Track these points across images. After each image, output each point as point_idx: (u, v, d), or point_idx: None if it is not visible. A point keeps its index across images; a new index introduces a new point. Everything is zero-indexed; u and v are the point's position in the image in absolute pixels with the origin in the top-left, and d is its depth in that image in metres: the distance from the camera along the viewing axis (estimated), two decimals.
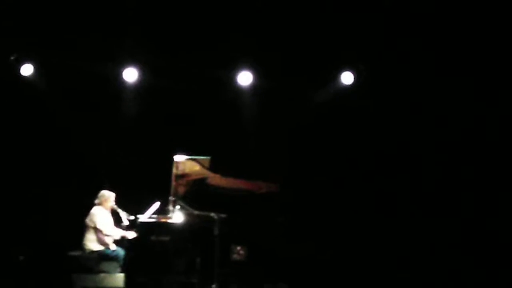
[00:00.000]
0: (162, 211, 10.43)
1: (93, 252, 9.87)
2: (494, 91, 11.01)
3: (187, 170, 10.57)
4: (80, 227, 10.00)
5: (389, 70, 11.52)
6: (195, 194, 10.66)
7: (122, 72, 11.63)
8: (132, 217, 10.17)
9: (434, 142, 11.53)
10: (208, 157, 10.60)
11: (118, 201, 10.25)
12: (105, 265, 9.86)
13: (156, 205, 10.36)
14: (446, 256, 11.00)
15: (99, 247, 9.92)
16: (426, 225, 11.28)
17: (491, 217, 10.87)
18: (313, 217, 11.81)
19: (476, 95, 11.10)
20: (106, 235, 9.96)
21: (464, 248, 10.88)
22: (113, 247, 10.02)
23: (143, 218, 10.18)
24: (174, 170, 10.40)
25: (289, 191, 11.26)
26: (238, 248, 10.55)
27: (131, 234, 10.03)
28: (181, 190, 10.65)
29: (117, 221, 10.19)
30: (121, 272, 9.88)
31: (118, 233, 10.04)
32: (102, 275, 9.80)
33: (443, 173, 11.41)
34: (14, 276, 10.82)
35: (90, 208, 10.09)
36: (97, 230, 9.93)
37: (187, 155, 10.45)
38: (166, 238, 10.10)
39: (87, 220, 9.98)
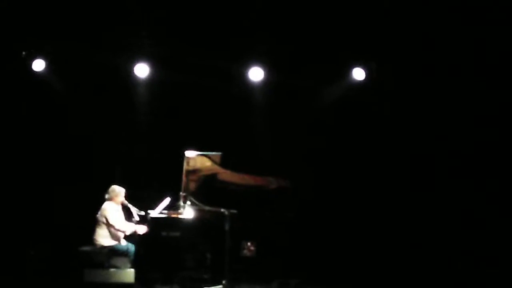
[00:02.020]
0: (173, 206, 10.45)
1: (104, 247, 9.88)
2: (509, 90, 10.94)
3: (198, 166, 10.59)
4: (91, 222, 10.02)
5: (401, 67, 11.47)
6: (205, 189, 10.68)
7: (133, 67, 11.64)
8: (143, 213, 10.19)
9: (448, 141, 11.45)
10: (219, 153, 10.61)
11: (128, 196, 10.26)
12: (115, 260, 9.86)
13: (167, 200, 10.37)
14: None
15: (110, 242, 9.93)
16: (439, 224, 11.23)
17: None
18: (324, 213, 11.81)
19: (491, 93, 11.02)
20: (117, 230, 9.98)
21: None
22: (123, 242, 10.04)
23: (154, 213, 10.18)
24: (185, 166, 10.42)
25: (299, 186, 11.23)
26: (249, 244, 10.56)
27: (142, 229, 10.04)
28: (192, 185, 10.67)
29: (128, 216, 10.20)
30: (131, 267, 9.88)
31: (129, 228, 10.03)
32: (113, 270, 9.82)
33: (457, 172, 11.32)
34: (25, 271, 10.88)
35: (101, 203, 10.10)
36: (108, 225, 9.93)
37: (198, 150, 10.45)
38: (176, 234, 10.11)
39: (98, 215, 9.99)
